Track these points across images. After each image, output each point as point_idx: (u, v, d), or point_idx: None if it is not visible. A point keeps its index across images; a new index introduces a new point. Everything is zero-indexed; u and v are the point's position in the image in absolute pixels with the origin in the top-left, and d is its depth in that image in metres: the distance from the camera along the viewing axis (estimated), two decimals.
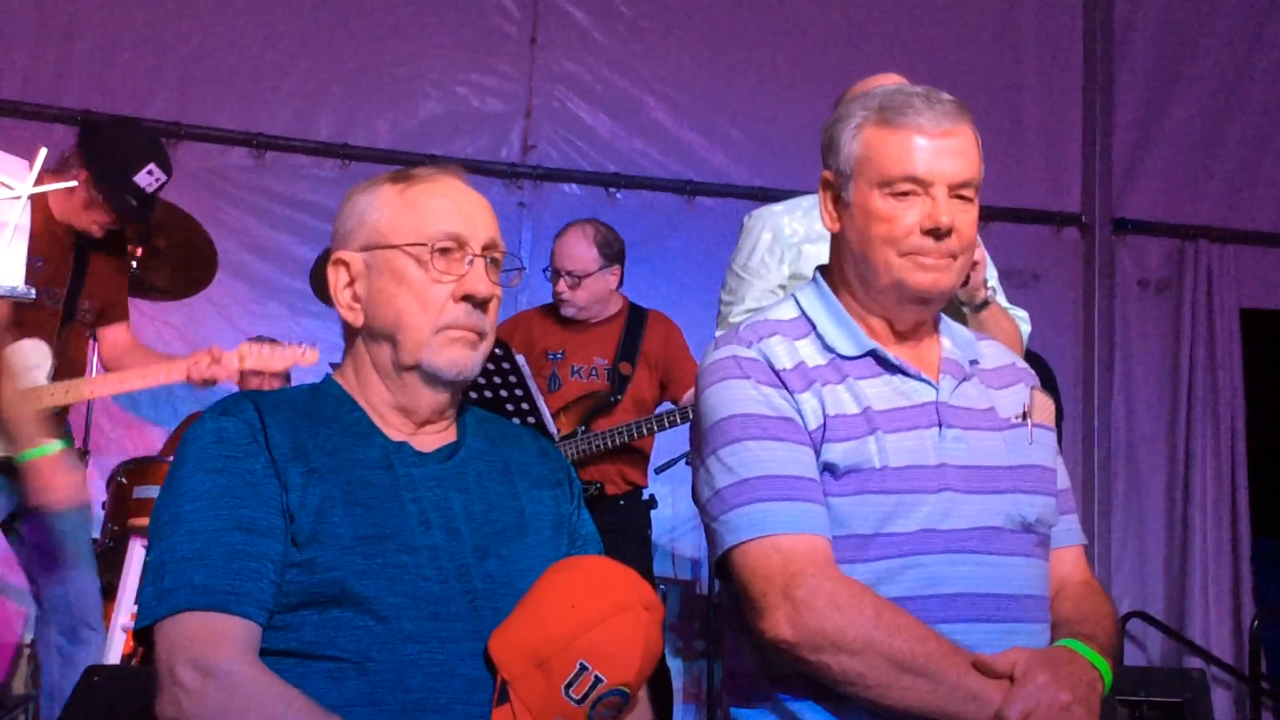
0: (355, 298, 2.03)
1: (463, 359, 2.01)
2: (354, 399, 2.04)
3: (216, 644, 1.79)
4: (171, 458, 4.70)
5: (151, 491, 4.66)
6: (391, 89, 6.48)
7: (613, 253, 4.94)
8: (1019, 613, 2.09)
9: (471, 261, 2.02)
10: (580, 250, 4.88)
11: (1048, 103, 6.98)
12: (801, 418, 2.10)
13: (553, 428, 4.62)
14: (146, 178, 4.18)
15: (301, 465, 1.91)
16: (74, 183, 3.93)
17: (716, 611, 5.28)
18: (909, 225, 2.13)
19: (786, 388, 2.11)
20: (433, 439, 2.05)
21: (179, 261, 5.14)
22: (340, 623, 1.84)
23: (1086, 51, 7.04)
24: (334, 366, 2.14)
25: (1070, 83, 7.03)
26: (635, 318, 5.02)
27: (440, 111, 6.52)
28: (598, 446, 4.71)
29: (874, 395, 2.13)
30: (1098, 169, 6.97)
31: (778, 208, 3.71)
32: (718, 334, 3.77)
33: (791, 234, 3.62)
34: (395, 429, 2.03)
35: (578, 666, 1.84)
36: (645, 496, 4.96)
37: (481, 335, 2.03)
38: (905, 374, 2.17)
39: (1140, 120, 7.03)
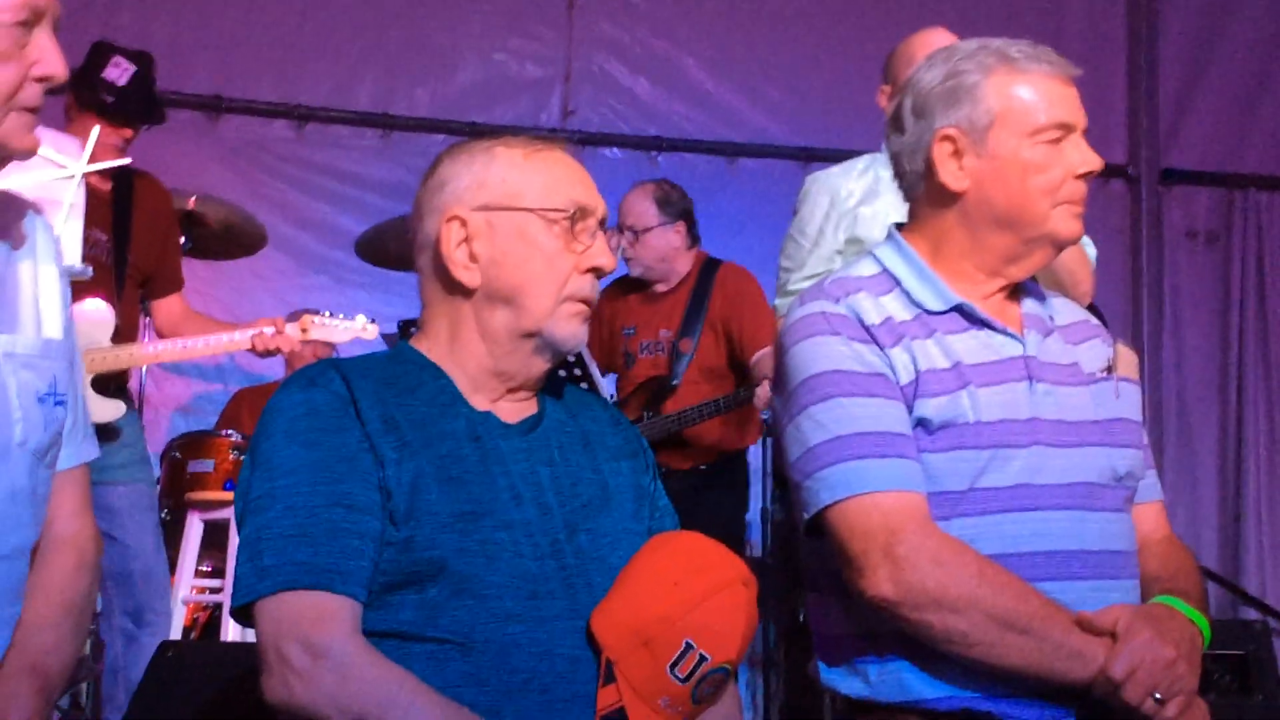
0: (472, 257, 1.96)
1: (581, 333, 1.98)
2: (438, 365, 1.98)
3: (325, 624, 1.76)
4: (226, 432, 4.78)
5: (205, 466, 4.69)
6: (431, 57, 6.46)
7: (674, 210, 4.90)
8: (1112, 569, 2.07)
9: (594, 234, 1.98)
10: (639, 206, 4.86)
11: (1092, 53, 6.88)
12: (893, 373, 2.07)
13: (599, 380, 4.58)
14: (113, 70, 4.09)
15: (394, 439, 1.87)
16: (128, 160, 3.91)
17: (788, 571, 5.22)
18: (1065, 172, 2.10)
19: (876, 343, 2.08)
20: (517, 408, 2.01)
21: (226, 236, 5.14)
22: (440, 602, 1.82)
23: (1130, 33, 6.95)
24: (406, 332, 2.09)
25: (1115, 32, 6.94)
26: (704, 279, 4.94)
27: (480, 78, 6.49)
28: (658, 433, 4.67)
29: (963, 350, 2.11)
30: (1144, 119, 6.89)
31: (835, 171, 3.68)
32: (777, 301, 3.76)
33: (847, 196, 3.60)
34: (482, 396, 1.98)
35: (683, 645, 1.82)
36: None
37: (593, 307, 2.01)
38: (992, 329, 2.14)
39: (1186, 69, 6.95)
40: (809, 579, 2.24)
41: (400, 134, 6.32)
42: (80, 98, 4.06)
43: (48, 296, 1.97)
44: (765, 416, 5.19)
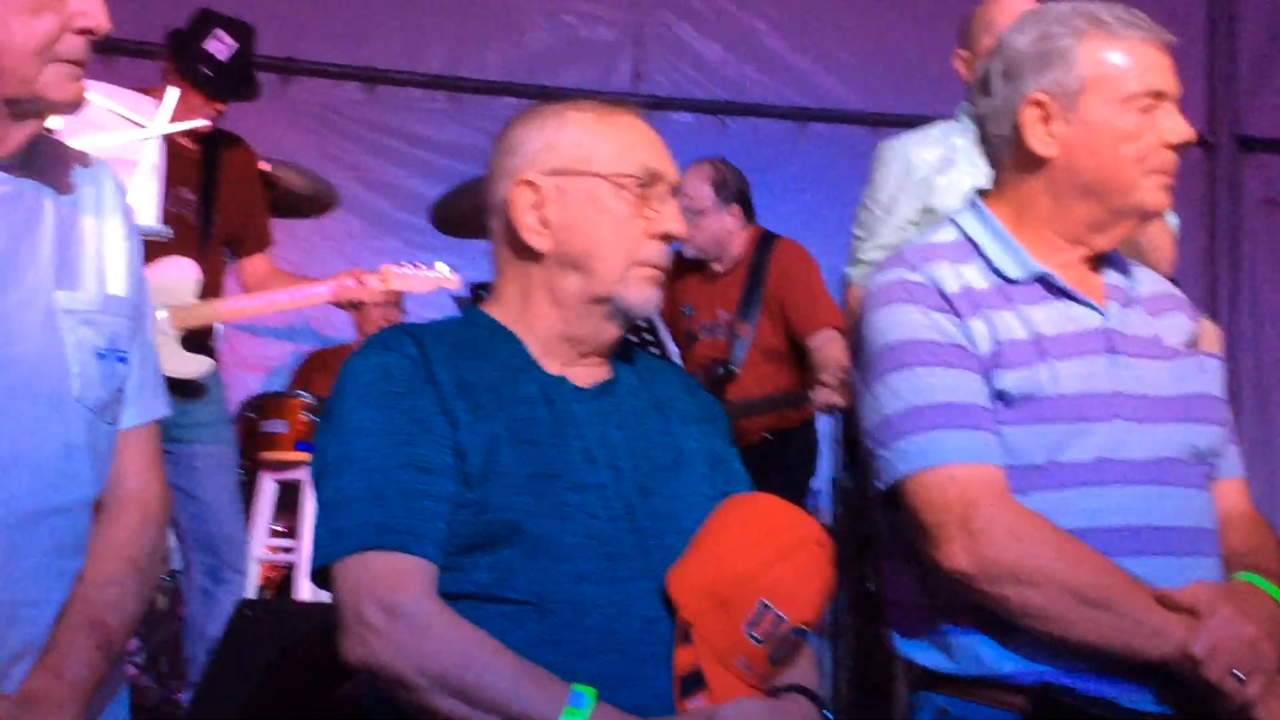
0: (543, 222, 1.96)
1: (653, 297, 1.97)
2: (510, 330, 1.99)
3: (401, 583, 1.77)
4: (298, 392, 4.82)
5: (278, 426, 4.73)
6: (500, 20, 6.45)
7: (730, 192, 4.86)
8: (1192, 546, 2.05)
9: (664, 199, 1.98)
10: (695, 188, 4.81)
11: (1169, 18, 6.75)
12: (972, 343, 2.05)
13: (670, 345, 4.56)
14: (215, 44, 4.12)
15: (468, 401, 1.88)
16: (205, 120, 3.94)
17: (857, 540, 5.21)
18: (1157, 141, 2.07)
19: (955, 312, 2.06)
20: (590, 373, 2.01)
21: (300, 198, 5.17)
22: (514, 564, 1.82)
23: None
24: (478, 296, 2.09)
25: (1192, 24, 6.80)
26: (760, 257, 4.90)
27: (550, 41, 6.47)
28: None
29: (1043, 320, 2.08)
30: (1221, 86, 6.76)
31: (909, 138, 3.64)
32: (848, 269, 3.73)
33: (921, 164, 3.56)
34: (556, 360, 1.98)
35: (759, 606, 1.82)
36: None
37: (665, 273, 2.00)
38: (1073, 299, 2.11)
39: (1265, 35, 6.80)
40: (884, 548, 2.22)
41: (470, 97, 6.32)
42: (178, 65, 4.09)
43: (113, 252, 1.96)
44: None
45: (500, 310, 2.01)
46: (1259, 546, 2.14)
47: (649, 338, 4.44)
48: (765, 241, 4.92)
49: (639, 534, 1.89)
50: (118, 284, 1.95)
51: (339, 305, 4.12)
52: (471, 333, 1.99)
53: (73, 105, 1.84)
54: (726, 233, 4.87)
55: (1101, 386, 2.05)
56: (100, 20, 1.80)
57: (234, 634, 2.58)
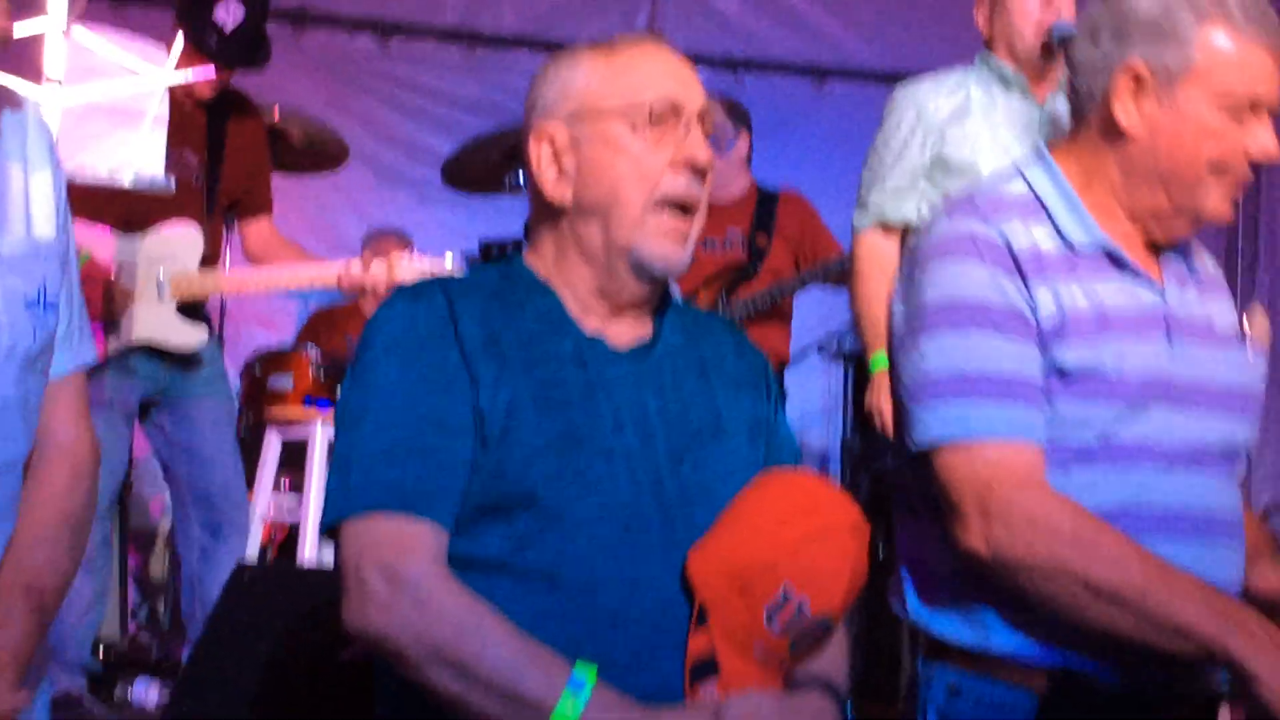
0: (561, 172, 1.89)
1: (674, 254, 1.87)
2: (548, 284, 1.92)
3: (406, 550, 1.72)
4: (306, 346, 4.76)
5: (285, 382, 4.67)
6: None
7: (739, 116, 4.84)
8: (1226, 535, 2.01)
9: (688, 128, 1.88)
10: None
11: None
12: (1034, 311, 1.97)
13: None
14: (222, 11, 4.06)
15: (493, 358, 1.81)
16: (211, 73, 3.88)
17: (868, 506, 5.18)
18: (1242, 150, 1.98)
19: (1022, 276, 1.98)
20: (629, 331, 1.93)
21: (308, 150, 5.12)
22: (528, 533, 1.76)
23: None
24: (488, 253, 2.02)
25: None
26: (766, 196, 4.90)
27: None
28: (740, 314, 4.63)
29: (1105, 295, 2.00)
30: None
31: (924, 84, 3.58)
32: (855, 213, 3.66)
33: (935, 111, 3.50)
34: (593, 315, 1.91)
35: (781, 592, 1.74)
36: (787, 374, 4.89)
37: (694, 211, 1.90)
38: (1136, 275, 2.04)
39: None
40: (907, 504, 2.15)
41: (485, 50, 6.26)
42: (186, 31, 4.00)
43: (39, 197, 1.88)
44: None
45: (539, 263, 1.95)
46: (1256, 543, 2.13)
47: None
48: (767, 196, 4.94)
49: (664, 506, 1.82)
50: (44, 226, 1.88)
51: (342, 290, 4.05)
52: (510, 285, 1.92)
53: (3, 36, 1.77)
54: (739, 159, 4.84)
55: (1157, 370, 1.98)
56: None
57: (230, 599, 2.54)
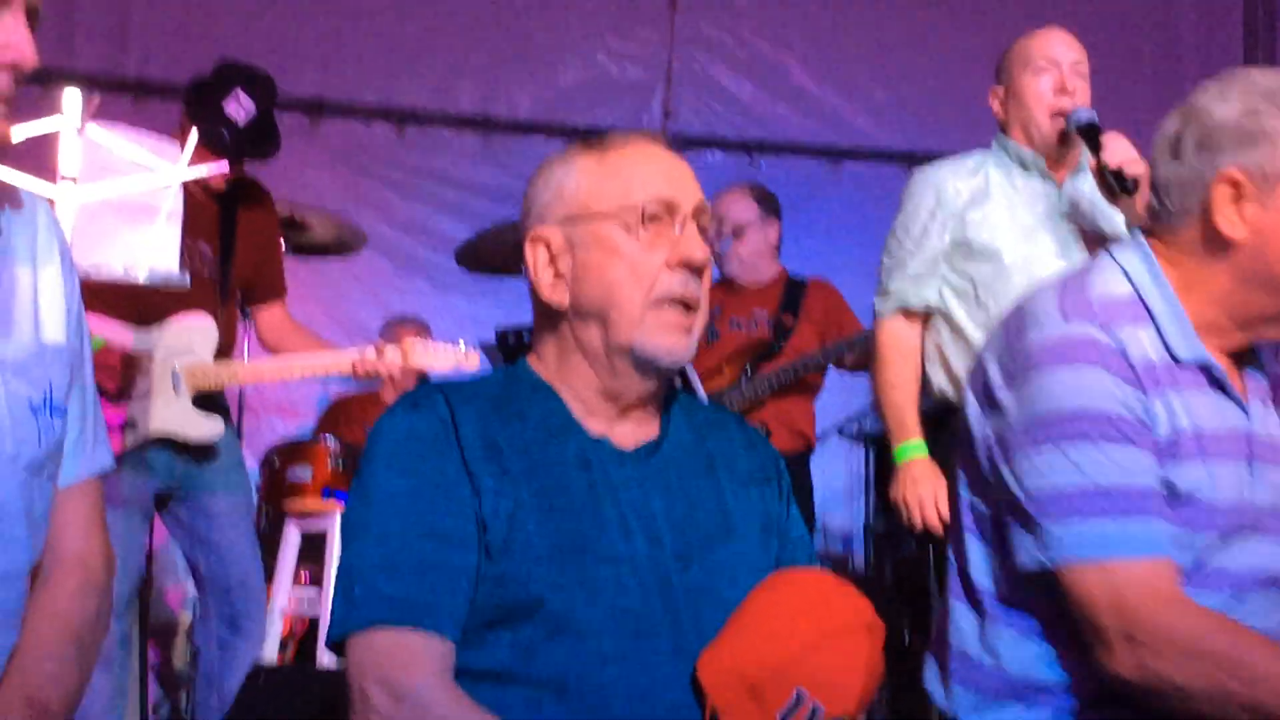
0: (558, 275, 1.87)
1: (677, 345, 1.85)
2: (551, 387, 1.90)
3: (409, 664, 1.69)
4: (324, 438, 4.74)
5: (304, 473, 4.65)
6: (531, 59, 6.44)
7: (771, 206, 4.91)
8: None
9: (683, 226, 1.87)
10: (740, 203, 4.87)
11: (1207, 75, 6.66)
12: (1152, 423, 1.92)
13: (700, 390, 4.51)
14: (233, 106, 4.05)
15: (494, 466, 1.79)
16: (224, 168, 3.89)
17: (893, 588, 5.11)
18: None
19: (1141, 386, 1.93)
20: (635, 432, 1.90)
21: (324, 237, 5.15)
22: (536, 642, 1.73)
23: (1246, 23, 6.71)
24: (504, 341, 1.99)
25: (1230, 56, 6.68)
26: (795, 283, 4.92)
27: (580, 80, 6.47)
28: (764, 389, 4.62)
29: (1202, 413, 1.95)
30: None
31: (943, 167, 3.56)
32: (875, 300, 3.62)
33: (955, 195, 3.48)
34: (598, 417, 1.88)
35: (794, 695, 1.70)
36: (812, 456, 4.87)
37: (695, 308, 1.87)
38: (1226, 394, 1.99)
39: None
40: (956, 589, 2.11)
41: (501, 136, 6.30)
42: (198, 125, 4.01)
43: (48, 299, 1.85)
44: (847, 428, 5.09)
45: (541, 366, 1.93)
46: None
47: (678, 383, 4.37)
48: (794, 284, 4.96)
49: (673, 611, 1.78)
50: (55, 331, 1.85)
51: (357, 377, 4.04)
52: (512, 389, 1.90)
53: (2, 142, 1.74)
54: (769, 248, 4.88)
55: (1239, 499, 1.95)
56: (26, 54, 1.69)
57: (245, 700, 2.51)
